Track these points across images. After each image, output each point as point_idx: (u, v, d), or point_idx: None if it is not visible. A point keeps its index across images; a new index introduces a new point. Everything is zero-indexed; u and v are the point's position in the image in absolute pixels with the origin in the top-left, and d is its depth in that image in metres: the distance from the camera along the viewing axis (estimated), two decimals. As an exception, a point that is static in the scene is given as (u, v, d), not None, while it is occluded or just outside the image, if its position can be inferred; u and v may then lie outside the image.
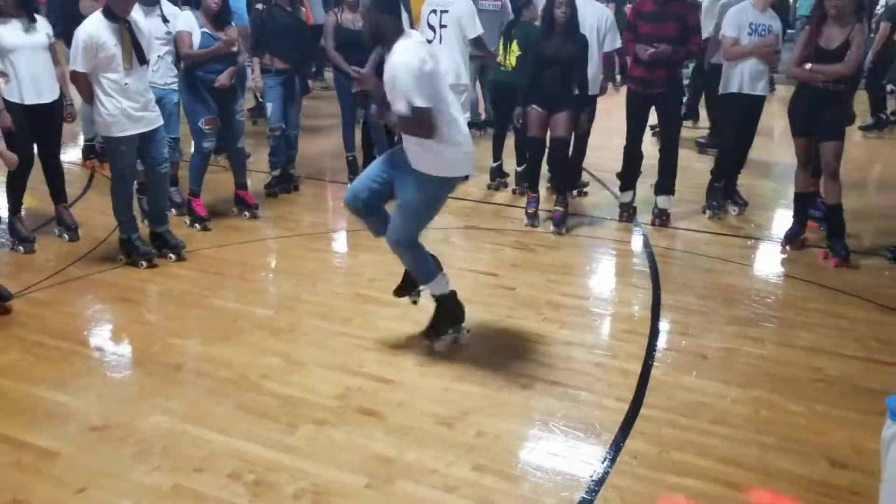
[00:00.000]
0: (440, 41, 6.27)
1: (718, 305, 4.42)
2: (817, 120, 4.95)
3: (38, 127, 5.03)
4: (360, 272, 4.97)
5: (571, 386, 3.55)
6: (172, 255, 5.01)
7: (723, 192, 5.98)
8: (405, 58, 3.38)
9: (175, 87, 5.52)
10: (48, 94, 5.02)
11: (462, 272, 4.92)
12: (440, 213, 5.99)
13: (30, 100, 4.93)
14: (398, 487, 2.86)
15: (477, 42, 6.38)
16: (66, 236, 5.32)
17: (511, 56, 6.10)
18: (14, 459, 3.02)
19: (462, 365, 3.74)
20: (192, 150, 5.61)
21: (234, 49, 5.52)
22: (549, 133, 5.60)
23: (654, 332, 4.11)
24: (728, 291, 4.62)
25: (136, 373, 3.75)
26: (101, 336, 4.19)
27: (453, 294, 3.89)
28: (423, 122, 3.41)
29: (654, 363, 3.77)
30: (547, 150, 5.71)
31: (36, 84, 4.94)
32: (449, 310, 3.88)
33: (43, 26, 5.01)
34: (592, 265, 5.14)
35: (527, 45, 5.94)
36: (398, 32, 3.50)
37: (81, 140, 7.47)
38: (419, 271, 3.82)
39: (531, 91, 5.54)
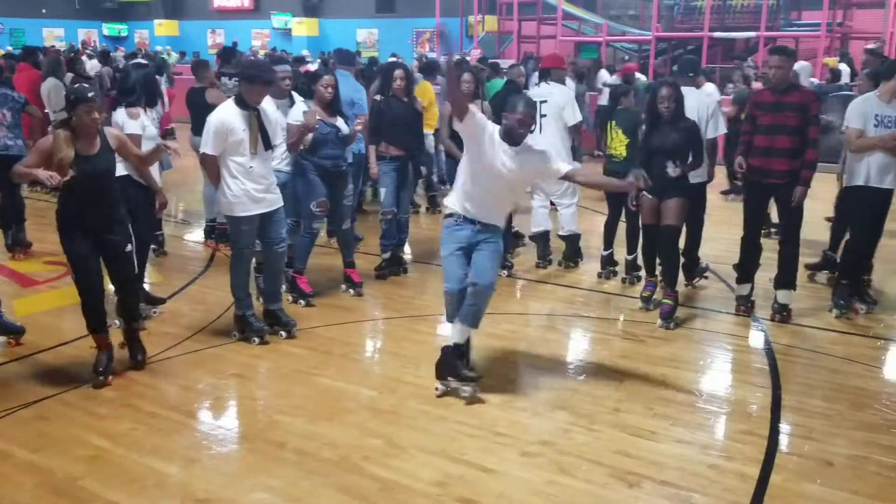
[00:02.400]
0: (540, 130, 6.37)
1: (845, 409, 4.10)
2: None
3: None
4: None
5: (683, 487, 3.33)
6: (284, 333, 5.14)
7: (850, 290, 5.64)
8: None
9: (290, 171, 5.78)
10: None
11: (570, 361, 4.81)
12: (547, 301, 6.01)
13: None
14: (496, 585, 2.73)
15: (576, 129, 6.62)
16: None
17: (619, 145, 6.10)
18: (121, 527, 3.09)
19: (567, 457, 3.59)
20: (302, 230, 5.82)
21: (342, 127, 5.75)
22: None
23: (774, 435, 3.84)
24: (856, 394, 4.29)
25: (242, 448, 3.80)
26: (211, 410, 4.30)
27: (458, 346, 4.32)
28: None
29: (775, 468, 3.50)
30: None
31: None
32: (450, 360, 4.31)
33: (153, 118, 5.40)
34: (706, 360, 4.90)
35: (632, 132, 5.96)
36: None
37: (203, 221, 7.89)
38: (483, 312, 4.29)
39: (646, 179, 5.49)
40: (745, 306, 5.63)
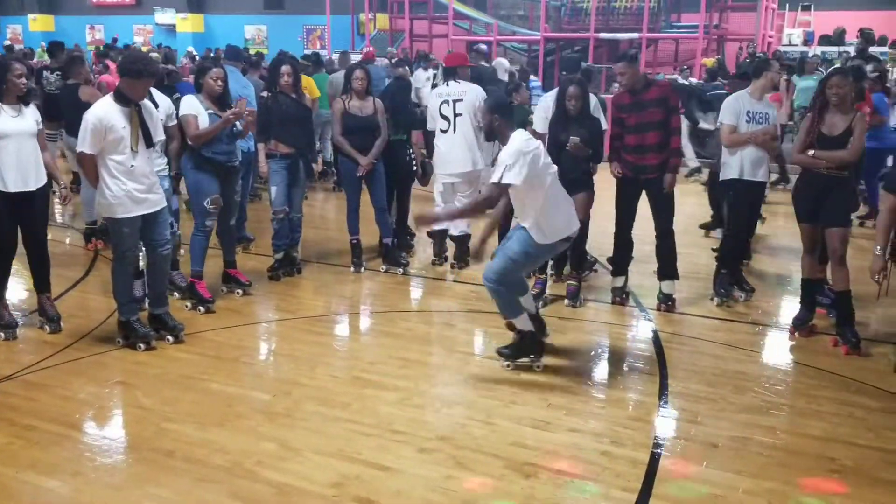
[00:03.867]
0: (454, 130, 6.41)
1: (728, 393, 4.31)
2: (823, 206, 4.95)
3: (22, 214, 4.91)
4: (361, 355, 4.89)
5: (577, 475, 3.42)
6: (171, 338, 4.95)
7: (730, 279, 5.94)
8: (515, 143, 4.34)
9: (165, 172, 5.56)
10: (33, 182, 4.89)
11: (466, 356, 4.85)
12: (444, 298, 6.03)
13: (14, 187, 4.79)
14: (395, 583, 2.72)
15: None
16: (47, 328, 5.11)
17: None
18: (-6, 549, 2.90)
19: (464, 451, 3.62)
20: (194, 229, 5.62)
21: (240, 123, 5.58)
22: None
23: (661, 420, 4.00)
24: (737, 378, 4.51)
25: (128, 458, 3.64)
26: (94, 420, 4.09)
27: (533, 334, 4.57)
28: (490, 199, 4.46)
29: (663, 452, 3.64)
30: None
31: (22, 171, 4.81)
32: (528, 345, 4.57)
33: (32, 113, 4.96)
34: (597, 350, 5.05)
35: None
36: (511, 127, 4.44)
37: (82, 224, 7.50)
38: (504, 308, 4.55)
39: None
40: (621, 297, 5.84)
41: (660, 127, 5.44)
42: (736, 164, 5.65)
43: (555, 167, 4.52)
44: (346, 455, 3.59)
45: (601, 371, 4.71)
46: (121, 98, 4.64)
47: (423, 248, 7.28)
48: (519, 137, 4.37)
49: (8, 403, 4.12)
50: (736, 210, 5.86)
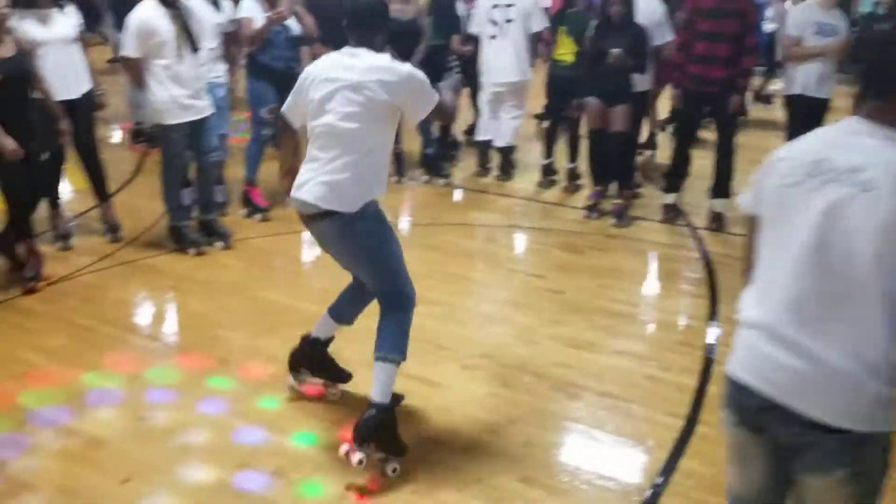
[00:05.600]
0: (504, 37, 6.21)
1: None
2: None
3: (71, 115, 4.77)
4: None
5: (622, 398, 3.45)
6: (220, 244, 5.01)
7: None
8: None
9: (223, 80, 5.47)
10: (76, 89, 4.78)
11: (509, 273, 4.84)
12: (487, 211, 5.99)
13: (57, 96, 4.58)
14: (443, 495, 2.81)
15: (537, 36, 6.35)
16: (108, 237, 5.15)
17: (567, 52, 6.00)
18: (61, 445, 3.04)
19: (507, 370, 3.66)
20: (251, 138, 5.60)
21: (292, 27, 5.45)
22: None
23: (710, 346, 3.98)
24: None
25: (183, 361, 3.74)
26: (148, 324, 4.21)
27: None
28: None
29: (711, 378, 3.64)
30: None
31: (62, 79, 4.65)
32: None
33: (71, 17, 4.83)
34: (644, 270, 5.01)
35: (579, 37, 5.86)
36: None
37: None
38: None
39: (589, 84, 5.51)
40: (671, 215, 5.75)
41: (733, 40, 5.15)
42: (800, 79, 5.42)
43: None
44: (392, 368, 3.65)
45: (648, 293, 4.69)
46: (164, 0, 4.55)
47: (467, 159, 7.19)
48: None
49: (66, 304, 4.25)
50: (794, 129, 5.66)
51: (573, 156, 6.35)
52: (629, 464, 3.03)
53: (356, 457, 2.81)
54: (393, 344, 2.99)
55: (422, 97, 2.92)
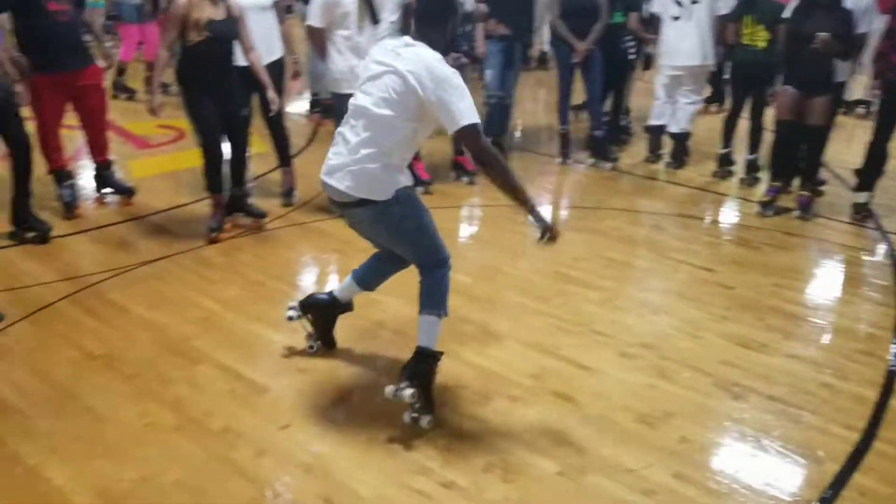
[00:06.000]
0: (689, 18, 5.93)
1: (977, 336, 3.83)
2: None
3: (258, 88, 4.97)
4: (563, 250, 4.76)
5: (792, 404, 3.20)
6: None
7: None
8: None
9: None
10: (266, 55, 4.93)
11: (675, 263, 4.64)
12: (655, 199, 5.77)
13: (245, 61, 4.71)
14: (591, 481, 2.72)
15: (724, 20, 5.98)
16: (283, 199, 5.40)
17: (759, 39, 5.60)
18: (229, 388, 3.22)
19: (667, 362, 3.50)
20: None
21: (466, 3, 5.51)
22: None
23: None
24: None
25: (342, 322, 3.86)
26: (313, 282, 4.38)
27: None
28: None
29: (895, 393, 3.31)
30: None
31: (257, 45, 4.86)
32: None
33: None
34: (825, 272, 4.64)
35: (770, 23, 5.48)
36: None
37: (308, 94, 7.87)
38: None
39: (787, 71, 5.19)
40: (861, 215, 5.28)
41: None
42: None
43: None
44: (545, 348, 3.60)
45: (828, 295, 4.33)
46: (350, -28, 4.69)
47: (637, 144, 6.97)
48: None
49: (240, 259, 4.51)
50: None
51: (754, 147, 5.99)
52: (795, 473, 2.81)
53: (407, 392, 2.91)
54: (434, 301, 3.04)
55: (452, 105, 2.75)
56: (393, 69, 2.82)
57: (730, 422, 3.09)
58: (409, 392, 2.92)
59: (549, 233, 2.92)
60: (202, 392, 3.19)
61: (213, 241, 4.67)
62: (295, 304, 3.52)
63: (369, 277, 3.46)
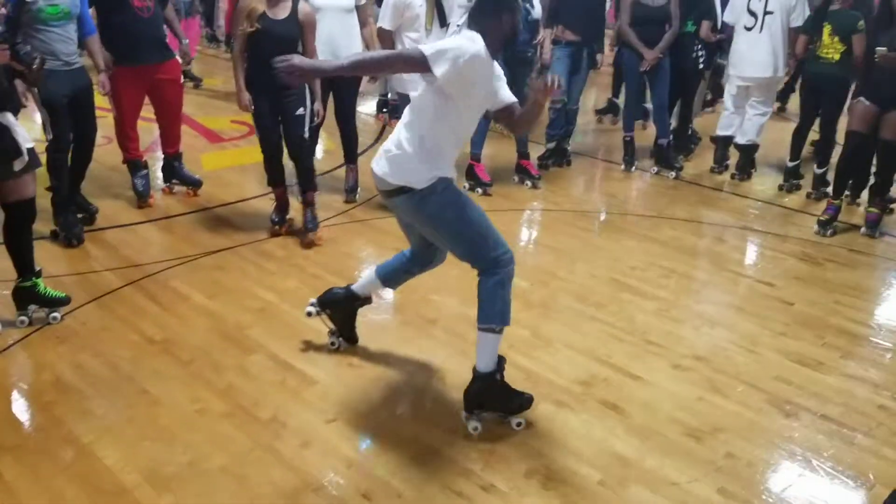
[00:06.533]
0: (760, 29, 5.82)
1: None
2: None
3: (333, 87, 5.16)
4: (622, 258, 4.77)
5: (846, 425, 3.11)
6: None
7: None
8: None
9: None
10: (342, 54, 4.96)
11: (735, 276, 4.55)
12: (718, 210, 5.66)
13: (323, 57, 4.91)
14: (633, 492, 2.70)
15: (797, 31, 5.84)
16: (346, 196, 5.50)
17: (833, 51, 5.44)
18: (280, 379, 3.31)
19: (720, 376, 3.44)
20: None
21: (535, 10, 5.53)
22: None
23: (960, 384, 3.49)
24: None
25: (395, 319, 3.92)
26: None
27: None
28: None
29: (957, 420, 3.19)
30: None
31: (331, 44, 4.97)
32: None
33: None
34: (890, 291, 4.48)
35: (845, 36, 5.33)
36: None
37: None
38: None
39: (864, 83, 5.06)
40: None
41: None
42: None
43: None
44: (596, 355, 3.58)
45: (891, 316, 4.19)
46: (420, -24, 4.75)
47: (703, 154, 6.85)
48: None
49: (300, 252, 4.61)
50: None
51: (823, 161, 5.83)
52: (843, 495, 2.74)
53: (471, 424, 2.98)
54: (489, 313, 2.93)
55: (468, 82, 2.78)
56: (434, 53, 2.79)
57: (780, 440, 3.02)
58: (472, 425, 2.98)
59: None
60: (253, 381, 3.28)
61: (275, 234, 4.79)
62: (313, 300, 3.58)
63: (393, 275, 3.46)
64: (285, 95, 4.48)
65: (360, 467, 2.79)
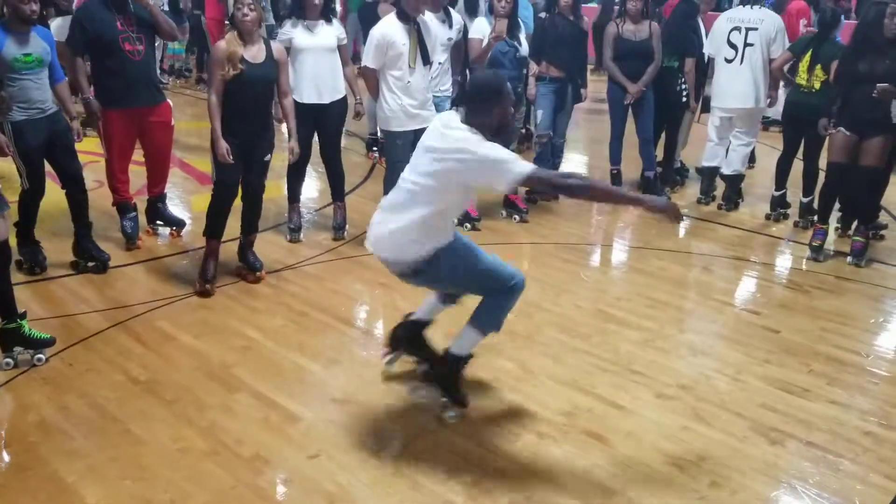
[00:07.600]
0: (741, 62, 5.92)
1: None
2: None
3: (318, 126, 5.19)
4: (607, 289, 4.79)
5: (832, 452, 3.10)
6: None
7: None
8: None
9: (449, 94, 5.67)
10: (328, 96, 5.09)
11: (721, 305, 4.56)
12: (705, 240, 5.69)
13: (308, 99, 5.02)
14: (614, 523, 2.69)
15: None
16: (334, 234, 5.48)
17: (816, 80, 5.52)
18: (263, 416, 3.30)
19: (704, 405, 3.44)
20: None
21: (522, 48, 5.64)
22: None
23: (947, 409, 3.48)
24: None
25: (380, 355, 3.91)
26: (356, 315, 4.46)
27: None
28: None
29: (943, 445, 3.18)
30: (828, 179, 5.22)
31: (317, 84, 5.03)
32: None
33: (335, 30, 5.14)
34: (878, 318, 4.48)
35: (826, 65, 5.42)
36: None
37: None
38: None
39: (840, 112, 5.08)
40: None
41: None
42: None
43: None
44: (580, 386, 3.58)
45: (879, 343, 4.18)
46: (403, 16, 4.83)
47: (690, 186, 6.90)
48: None
49: (288, 290, 4.62)
50: None
51: (809, 189, 5.87)
52: (831, 524, 2.72)
53: (448, 413, 3.30)
54: (488, 320, 3.25)
55: (494, 175, 2.95)
56: (436, 149, 3.02)
57: (765, 467, 3.01)
58: (449, 414, 3.29)
59: (671, 213, 3.00)
60: (236, 419, 3.27)
61: (206, 294, 4.49)
62: (384, 350, 3.71)
63: (433, 311, 3.63)
64: (259, 140, 4.48)
65: (342, 501, 2.77)
